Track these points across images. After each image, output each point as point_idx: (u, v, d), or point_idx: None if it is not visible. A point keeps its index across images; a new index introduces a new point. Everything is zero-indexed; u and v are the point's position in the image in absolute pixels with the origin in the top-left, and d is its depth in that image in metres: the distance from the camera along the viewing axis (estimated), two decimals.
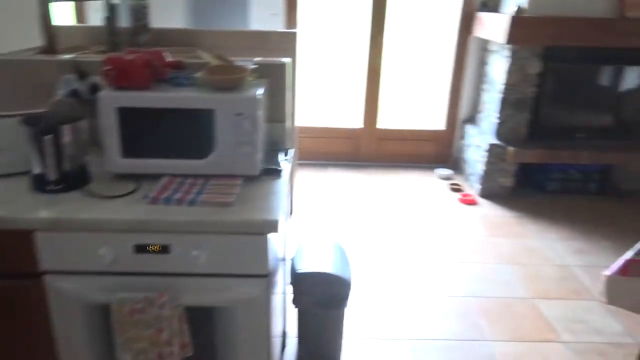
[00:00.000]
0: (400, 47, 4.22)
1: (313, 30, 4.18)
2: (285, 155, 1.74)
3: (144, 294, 1.32)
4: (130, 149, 1.47)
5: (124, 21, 2.39)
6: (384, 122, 4.37)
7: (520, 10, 3.26)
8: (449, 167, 4.29)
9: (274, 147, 1.77)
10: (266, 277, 1.36)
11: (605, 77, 3.78)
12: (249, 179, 1.52)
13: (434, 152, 4.43)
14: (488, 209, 3.58)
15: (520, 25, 3.28)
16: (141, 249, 1.33)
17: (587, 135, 3.79)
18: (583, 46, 3.47)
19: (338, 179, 4.07)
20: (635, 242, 3.16)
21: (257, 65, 1.66)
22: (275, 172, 1.58)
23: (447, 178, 4.14)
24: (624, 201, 3.76)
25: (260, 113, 1.47)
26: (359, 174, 4.21)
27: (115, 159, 1.47)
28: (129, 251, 1.33)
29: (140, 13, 2.47)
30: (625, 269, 1.66)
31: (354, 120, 4.38)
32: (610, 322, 2.33)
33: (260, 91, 1.48)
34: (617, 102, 3.80)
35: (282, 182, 1.55)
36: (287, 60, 1.81)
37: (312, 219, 3.35)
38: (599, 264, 2.88)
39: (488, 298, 2.52)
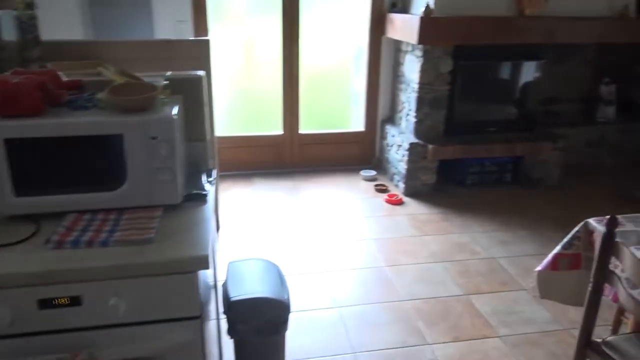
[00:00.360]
0: (316, 51, 4.17)
1: (225, 36, 4.01)
2: (209, 176, 1.60)
3: (55, 356, 1.13)
4: (25, 185, 1.26)
5: (9, 34, 2.11)
6: (306, 126, 4.31)
7: (428, 10, 3.33)
8: (373, 168, 4.31)
9: (196, 168, 1.63)
10: (198, 319, 1.22)
11: (509, 72, 3.98)
12: (170, 209, 1.37)
13: (358, 154, 4.44)
14: (414, 208, 3.63)
15: (429, 25, 3.34)
16: (47, 303, 1.13)
17: (497, 128, 3.97)
18: (488, 44, 3.62)
19: (264, 189, 3.95)
20: (548, 228, 3.37)
21: (168, 82, 1.50)
22: (200, 198, 1.44)
23: (372, 179, 4.16)
24: (535, 189, 3.98)
25: (178, 135, 1.33)
26: (285, 181, 4.11)
27: (6, 198, 1.25)
28: (32, 308, 1.13)
29: (28, 24, 2.19)
30: (554, 264, 1.70)
31: (275, 126, 4.27)
32: (539, 311, 2.42)
33: (175, 110, 1.34)
34: (520, 95, 4.02)
35: (208, 208, 1.41)
36: (201, 73, 1.67)
37: (241, 235, 3.20)
38: (521, 253, 3.00)
39: (424, 300, 2.53)
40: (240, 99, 4.22)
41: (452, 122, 3.87)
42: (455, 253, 3.01)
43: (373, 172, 4.21)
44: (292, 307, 1.89)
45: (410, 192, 3.84)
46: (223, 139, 4.16)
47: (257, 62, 4.17)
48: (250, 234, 3.21)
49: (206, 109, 1.70)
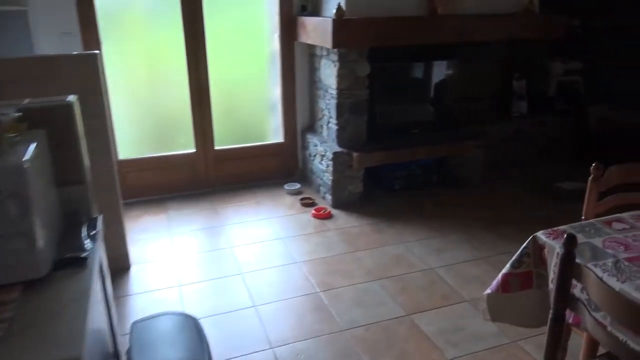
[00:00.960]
0: (226, 61, 3.85)
1: (123, 49, 3.58)
2: (92, 228, 1.26)
3: None
4: None
5: None
6: (221, 142, 3.97)
7: (340, 11, 3.14)
8: (297, 181, 4.06)
9: (73, 220, 1.28)
10: None
11: (425, 72, 3.91)
12: (32, 285, 1.02)
13: (279, 166, 4.17)
14: (344, 221, 3.43)
15: (343, 28, 3.15)
16: None
17: (420, 130, 3.88)
18: (404, 45, 3.50)
19: (179, 214, 3.56)
20: (479, 229, 3.31)
21: (21, 113, 1.15)
22: (76, 263, 1.11)
23: (297, 193, 3.91)
24: (461, 189, 3.93)
25: (36, 185, 0.99)
26: (202, 203, 3.75)
27: None
28: None
29: None
30: (505, 285, 1.54)
31: (186, 144, 3.89)
32: (484, 324, 2.29)
33: (29, 153, 1.00)
34: (439, 95, 3.96)
35: (89, 276, 1.08)
36: (72, 98, 1.33)
37: (155, 273, 2.82)
38: (457, 260, 2.89)
39: (365, 327, 2.31)
40: (146, 117, 3.79)
41: (374, 127, 3.72)
42: (391, 267, 2.83)
43: (297, 185, 3.96)
44: (221, 356, 1.58)
45: (339, 204, 3.63)
46: (128, 162, 3.73)
47: (161, 76, 3.76)
48: (165, 271, 2.83)
49: (83, 142, 1.36)
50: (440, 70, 3.89)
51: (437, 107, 3.99)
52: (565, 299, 1.24)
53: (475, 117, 4.33)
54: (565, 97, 4.54)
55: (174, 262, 2.92)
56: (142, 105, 3.75)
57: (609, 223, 1.58)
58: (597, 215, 1.79)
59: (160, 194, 3.86)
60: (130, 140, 3.77)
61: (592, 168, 1.75)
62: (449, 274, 2.74)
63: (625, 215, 1.63)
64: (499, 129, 4.30)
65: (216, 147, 3.96)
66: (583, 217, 1.80)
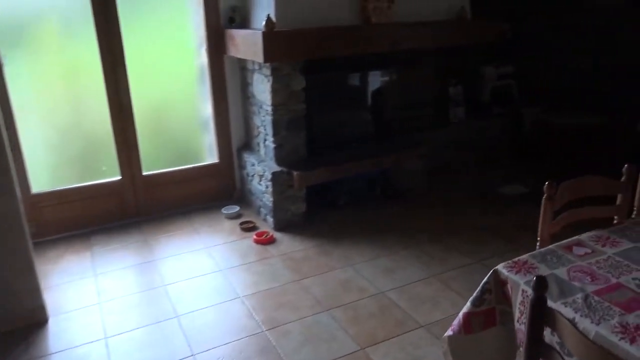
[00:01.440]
0: (150, 77, 3.55)
1: (28, 68, 3.19)
2: None
3: None
4: None
5: None
6: (150, 166, 3.66)
7: (270, 23, 2.94)
8: (235, 203, 3.81)
9: None
10: None
11: (362, 82, 3.79)
12: None
13: (216, 189, 3.91)
14: (288, 245, 3.23)
15: (274, 40, 2.96)
16: None
17: (360, 142, 3.75)
18: (339, 56, 3.35)
19: (106, 250, 3.22)
20: (426, 243, 3.20)
21: None
22: None
23: (236, 216, 3.67)
24: (405, 200, 3.84)
25: None
26: (132, 235, 3.43)
27: None
28: None
29: None
30: (467, 326, 1.39)
31: (111, 171, 3.55)
32: (439, 351, 2.15)
33: None
34: (377, 105, 3.86)
35: None
36: None
37: (77, 327, 2.48)
38: (408, 280, 2.76)
39: None
40: (63, 142, 3.40)
41: (314, 142, 3.55)
42: (341, 294, 2.65)
43: (236, 208, 3.71)
44: None
45: (281, 226, 3.43)
46: (44, 195, 3.35)
47: (78, 95, 3.39)
48: (90, 321, 2.51)
49: None
50: (377, 80, 3.79)
51: (377, 117, 3.88)
52: (538, 349, 1.11)
53: (415, 125, 4.26)
54: (500, 101, 4.58)
55: (99, 309, 2.60)
56: (57, 129, 3.37)
57: (569, 248, 1.47)
58: (553, 235, 1.69)
59: (83, 228, 3.49)
60: (45, 169, 3.39)
61: (545, 187, 1.66)
62: (401, 297, 2.60)
63: (583, 237, 1.53)
64: (439, 136, 4.26)
65: (144, 173, 3.64)
66: (539, 239, 1.70)
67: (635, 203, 1.85)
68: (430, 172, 4.00)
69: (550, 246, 1.51)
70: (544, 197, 1.66)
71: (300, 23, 3.12)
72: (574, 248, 1.46)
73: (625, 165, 1.78)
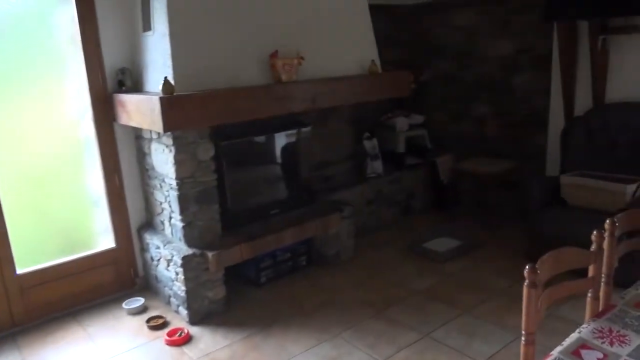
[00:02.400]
0: (22, 154, 2.93)
1: None
2: None
3: None
4: None
5: None
6: (25, 263, 2.97)
7: (168, 86, 2.54)
8: (139, 295, 3.22)
9: None
10: None
11: (277, 144, 3.47)
12: None
13: (114, 279, 3.29)
14: (208, 342, 2.71)
15: (174, 107, 2.54)
16: None
17: (280, 209, 3.39)
18: (250, 120, 3.01)
19: None
20: (367, 319, 2.85)
21: None
22: None
23: (141, 311, 3.08)
24: (334, 267, 3.52)
25: None
26: (5, 352, 2.69)
27: None
28: None
29: None
30: None
31: None
32: None
33: None
34: (294, 167, 3.55)
35: None
36: None
37: None
38: None
39: None
40: None
41: (229, 215, 3.12)
42: None
43: (141, 301, 3.12)
44: None
45: (198, 318, 2.91)
46: None
47: None
48: None
49: None
50: (292, 140, 3.49)
51: (295, 179, 3.56)
52: None
53: (334, 184, 4.01)
54: (415, 151, 4.51)
55: None
56: None
57: (576, 354, 1.21)
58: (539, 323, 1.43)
59: None
60: None
61: (526, 272, 1.41)
62: None
63: (585, 335, 1.28)
64: (360, 193, 4.04)
65: (19, 271, 2.95)
66: (523, 332, 1.43)
67: (604, 270, 1.68)
68: (356, 232, 3.73)
69: (554, 354, 1.23)
70: (525, 284, 1.41)
71: (204, 85, 2.75)
72: (583, 354, 1.20)
73: (594, 233, 1.61)
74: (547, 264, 1.47)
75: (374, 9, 3.60)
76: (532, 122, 4.09)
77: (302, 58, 3.07)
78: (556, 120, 3.90)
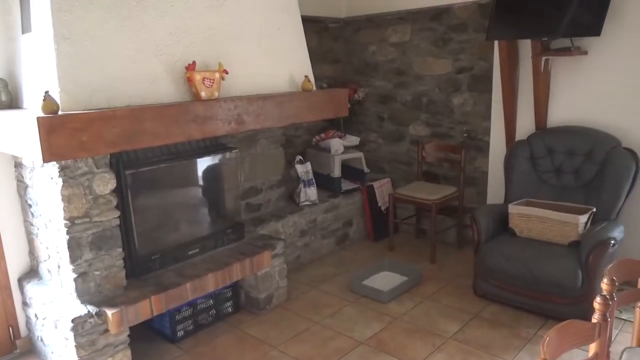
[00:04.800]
0: None
1: None
2: None
3: None
4: None
5: None
6: None
7: (49, 103, 1.98)
8: None
9: None
10: None
11: (196, 171, 2.96)
12: None
13: None
14: None
15: (56, 130, 1.97)
16: None
17: (200, 247, 2.87)
18: (162, 144, 2.49)
19: None
20: None
21: None
22: None
23: None
24: (266, 314, 3.05)
25: None
26: None
27: None
28: None
29: None
30: None
31: None
32: None
33: None
34: (217, 197, 3.06)
35: None
36: None
37: None
38: None
39: None
40: None
41: (136, 260, 2.57)
42: None
43: None
44: None
45: None
46: None
47: None
48: None
49: None
50: (214, 166, 3.00)
51: (219, 213, 3.06)
52: None
53: (263, 214, 3.55)
54: (350, 175, 4.16)
55: None
56: None
57: None
58: None
59: None
60: None
61: None
62: None
63: None
64: (292, 224, 3.61)
65: None
66: None
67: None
68: (288, 270, 3.28)
69: None
70: None
71: (99, 102, 2.21)
72: None
73: (597, 298, 1.29)
74: (557, 337, 1.12)
75: (304, 22, 3.22)
76: (472, 145, 3.89)
77: (225, 71, 2.61)
78: (497, 144, 3.73)
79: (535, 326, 2.79)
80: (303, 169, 3.76)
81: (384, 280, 3.39)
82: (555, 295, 2.77)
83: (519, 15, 2.94)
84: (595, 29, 2.83)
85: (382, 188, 4.24)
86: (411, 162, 4.31)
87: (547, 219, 2.89)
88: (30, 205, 2.55)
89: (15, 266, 2.68)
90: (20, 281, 2.68)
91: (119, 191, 2.43)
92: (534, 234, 2.97)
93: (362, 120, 4.56)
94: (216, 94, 2.58)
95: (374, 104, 4.48)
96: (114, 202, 2.39)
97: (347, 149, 4.15)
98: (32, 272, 2.70)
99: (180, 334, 2.77)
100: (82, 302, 2.33)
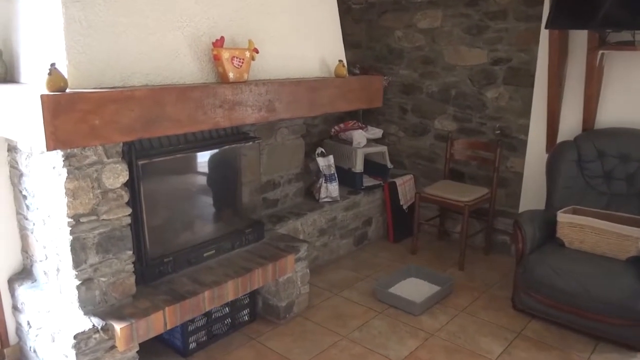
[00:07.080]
0: None
1: None
2: None
3: None
4: None
5: None
6: None
7: (56, 78, 1.62)
8: None
9: None
10: None
11: (215, 163, 2.62)
12: None
13: None
14: None
15: (64, 111, 1.61)
16: None
17: (216, 249, 2.55)
18: (182, 132, 2.14)
19: None
20: None
21: None
22: None
23: None
24: (286, 323, 2.74)
25: None
26: None
27: None
28: None
29: None
30: None
31: None
32: None
33: None
34: (237, 192, 2.73)
35: None
36: None
37: None
38: None
39: None
40: None
41: (147, 264, 2.23)
42: None
43: None
44: None
45: None
46: None
47: None
48: None
49: None
50: (234, 157, 2.66)
51: (236, 208, 2.73)
52: None
53: (282, 211, 3.23)
54: (372, 170, 3.85)
55: None
56: None
57: None
58: None
59: None
60: None
61: None
62: None
63: None
64: (312, 222, 3.29)
65: None
66: None
67: None
68: (311, 273, 2.97)
69: None
70: None
71: (114, 80, 1.85)
72: None
73: None
74: None
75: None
76: (505, 144, 3.60)
77: (256, 50, 2.26)
78: (536, 143, 3.43)
79: (586, 350, 2.53)
80: (325, 163, 3.43)
81: (412, 288, 3.10)
82: (611, 316, 2.50)
83: (590, 2, 2.61)
84: None
85: (404, 185, 3.94)
86: (434, 159, 4.01)
87: (603, 231, 2.62)
88: (25, 197, 2.19)
89: (4, 264, 2.32)
90: (11, 282, 2.32)
91: (130, 184, 2.09)
92: (587, 246, 2.70)
93: (382, 111, 4.23)
94: (245, 76, 2.23)
95: (397, 94, 4.16)
96: (125, 197, 2.05)
97: (369, 141, 3.83)
98: (24, 273, 2.35)
99: (192, 346, 2.45)
100: (85, 314, 2.00)
